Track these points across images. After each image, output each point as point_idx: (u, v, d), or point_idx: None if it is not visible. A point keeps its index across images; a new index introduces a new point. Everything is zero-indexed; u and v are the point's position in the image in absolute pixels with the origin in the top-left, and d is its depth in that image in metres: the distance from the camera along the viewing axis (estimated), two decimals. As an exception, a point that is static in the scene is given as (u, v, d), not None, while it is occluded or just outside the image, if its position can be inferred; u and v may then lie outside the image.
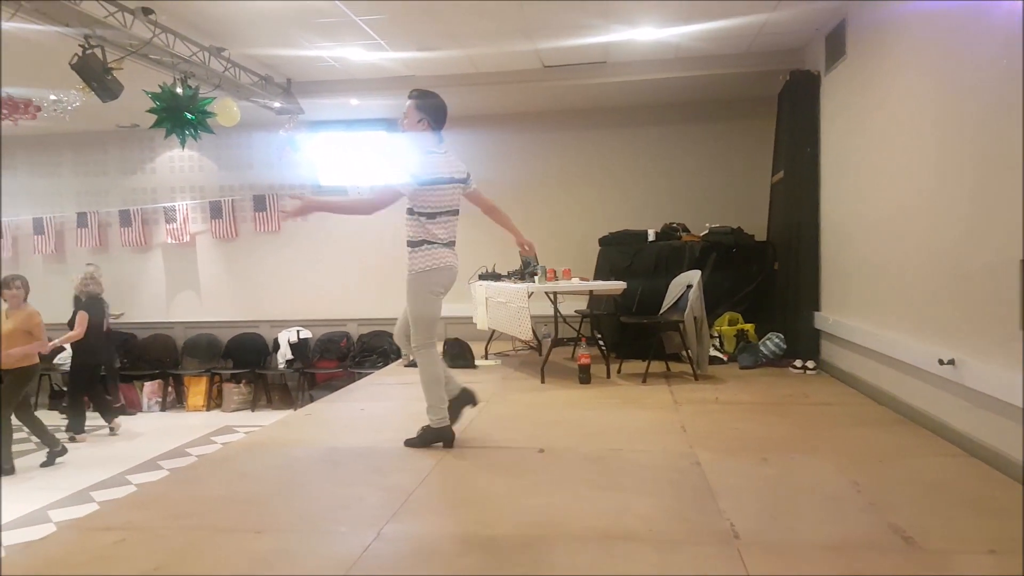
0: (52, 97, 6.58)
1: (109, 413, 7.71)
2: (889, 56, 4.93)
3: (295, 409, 8.35)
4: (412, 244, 4.05)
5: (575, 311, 7.44)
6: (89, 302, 7.38)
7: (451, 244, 4.12)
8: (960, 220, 3.90)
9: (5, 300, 6.46)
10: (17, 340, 6.23)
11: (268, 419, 7.59)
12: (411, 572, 2.63)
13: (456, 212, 4.15)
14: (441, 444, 4.15)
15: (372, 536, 2.92)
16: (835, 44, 6.04)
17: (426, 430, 4.17)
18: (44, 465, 6.47)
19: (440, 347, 7.56)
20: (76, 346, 7.40)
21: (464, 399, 4.31)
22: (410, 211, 4.04)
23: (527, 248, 4.68)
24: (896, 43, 4.82)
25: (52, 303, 9.03)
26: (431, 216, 4.01)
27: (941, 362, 3.99)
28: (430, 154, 4.04)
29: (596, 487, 3.45)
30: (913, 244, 4.55)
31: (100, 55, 5.05)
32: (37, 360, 6.48)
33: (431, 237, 4.02)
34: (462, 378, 6.32)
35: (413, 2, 5.51)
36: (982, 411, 3.70)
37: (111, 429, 7.61)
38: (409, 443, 4.20)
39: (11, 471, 6.26)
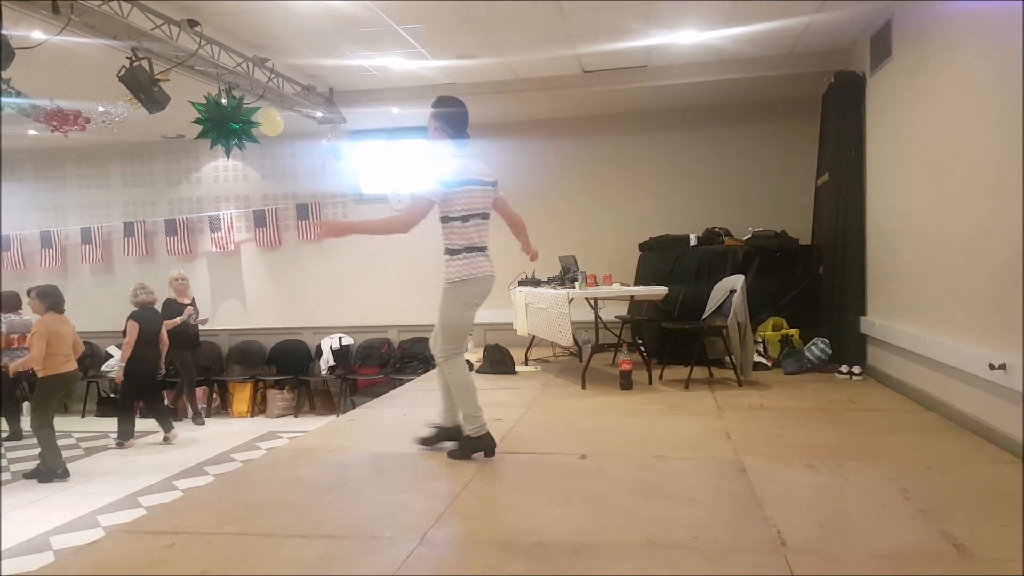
0: (100, 109, 6.75)
1: (164, 420, 7.72)
2: (936, 56, 4.83)
3: (337, 415, 8.44)
4: (451, 252, 4.00)
5: (615, 317, 7.40)
6: (140, 312, 7.49)
7: (485, 249, 4.08)
8: (1009, 223, 3.79)
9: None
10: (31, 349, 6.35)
11: (311, 425, 7.68)
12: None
13: (487, 216, 4.10)
14: (482, 453, 4.08)
15: (416, 541, 2.93)
16: (881, 45, 5.93)
17: (465, 440, 4.11)
18: (28, 477, 6.35)
19: (480, 353, 7.65)
20: (129, 355, 7.51)
21: (451, 435, 4.24)
22: (444, 218, 3.99)
23: (532, 257, 4.71)
24: (943, 43, 4.71)
25: (100, 312, 9.36)
26: (465, 219, 3.96)
27: (992, 367, 3.89)
28: (452, 157, 4.04)
29: (640, 494, 3.43)
30: (961, 247, 4.45)
31: (147, 67, 5.18)
32: (66, 369, 6.44)
33: (470, 242, 3.97)
34: (502, 383, 6.42)
35: (453, 9, 5.54)
36: (1037, 417, 3.60)
37: (166, 438, 7.61)
38: (451, 455, 4.13)
39: (64, 475, 6.36)
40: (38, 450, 6.40)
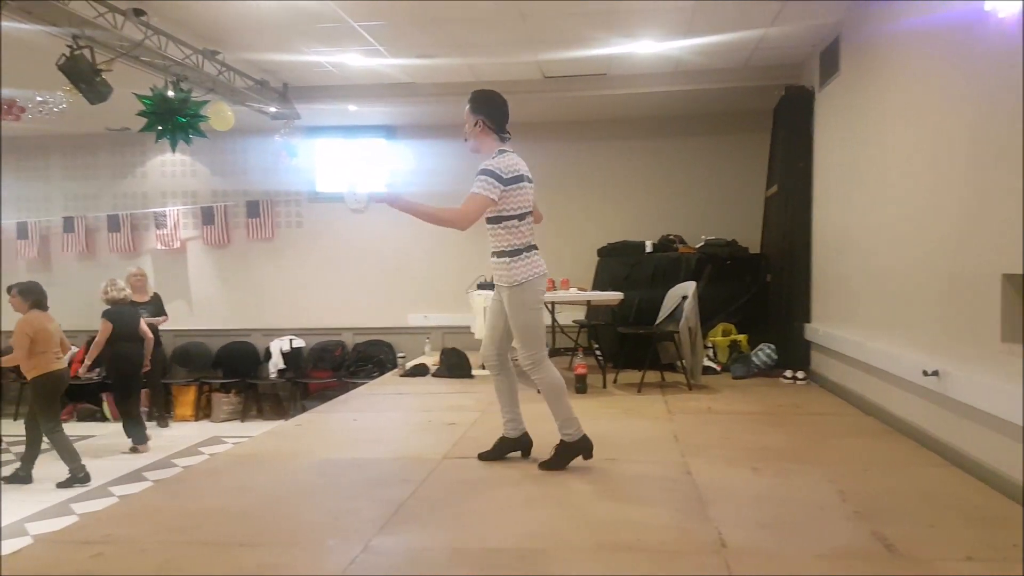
0: (38, 98, 6.50)
1: (139, 429, 7.30)
2: (881, 73, 4.96)
3: (287, 420, 8.29)
4: (510, 253, 3.77)
5: (572, 321, 7.43)
6: (114, 310, 7.12)
7: (537, 248, 3.90)
8: (946, 234, 3.92)
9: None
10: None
11: (258, 430, 7.49)
12: (399, 583, 2.60)
13: (532, 214, 3.90)
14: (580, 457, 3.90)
15: (360, 549, 2.87)
16: (829, 60, 6.07)
17: (562, 447, 3.90)
18: (9, 481, 6.14)
19: (437, 357, 7.58)
20: (103, 357, 7.20)
21: (516, 446, 4.08)
22: (497, 219, 3.75)
23: None
24: (888, 60, 4.84)
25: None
26: (522, 218, 3.77)
27: (925, 373, 4.00)
28: (503, 153, 3.76)
29: (591, 498, 3.44)
30: (900, 257, 4.57)
31: (89, 56, 4.99)
32: (56, 367, 6.16)
33: (527, 241, 3.79)
34: (458, 386, 6.38)
35: (413, 8, 5.49)
36: (965, 421, 3.71)
37: (134, 448, 7.18)
38: (545, 466, 3.89)
39: (85, 479, 6.10)
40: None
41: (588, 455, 3.90)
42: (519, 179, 3.74)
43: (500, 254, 3.80)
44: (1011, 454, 3.29)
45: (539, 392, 3.94)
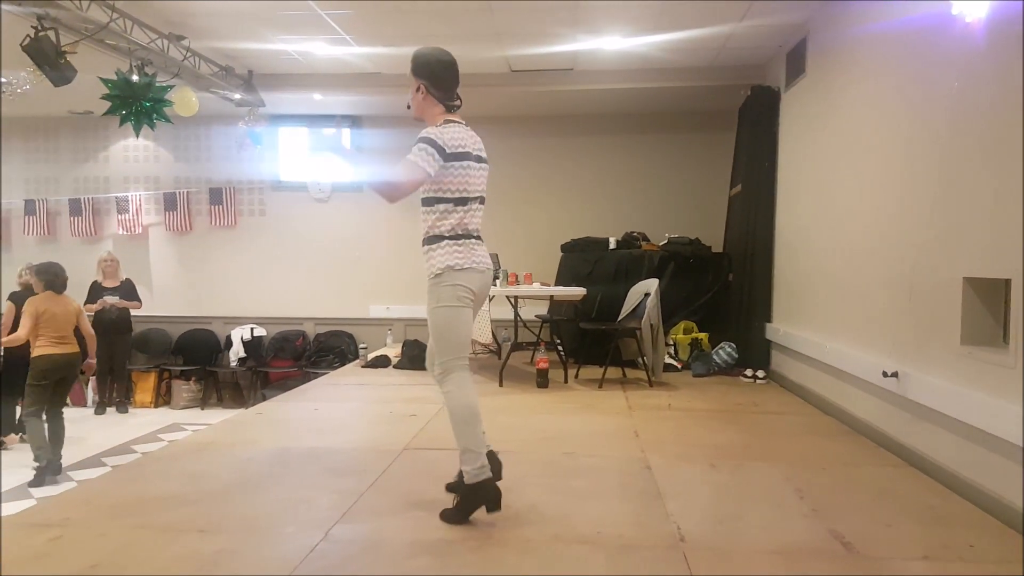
0: (3, 79, 6.38)
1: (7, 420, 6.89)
2: (846, 75, 5.05)
3: (247, 408, 8.22)
4: (432, 239, 3.11)
5: (535, 316, 7.46)
6: (21, 293, 6.80)
7: (479, 237, 3.21)
8: (907, 237, 4.01)
9: None
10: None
11: (218, 418, 7.44)
12: (357, 573, 2.60)
13: (484, 201, 3.25)
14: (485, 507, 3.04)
15: (319, 537, 2.88)
16: (795, 62, 6.16)
17: (464, 492, 3.07)
18: (32, 486, 5.69)
19: (399, 349, 7.55)
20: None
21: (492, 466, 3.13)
22: (429, 200, 3.11)
23: None
24: (853, 63, 4.93)
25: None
26: (461, 202, 3.10)
27: (885, 374, 4.10)
28: (449, 124, 3.13)
29: (548, 490, 3.46)
30: (861, 259, 4.67)
31: (53, 38, 4.91)
32: (58, 351, 5.81)
33: (460, 229, 3.10)
34: (419, 379, 6.36)
35: (381, 1, 5.47)
36: (922, 423, 3.81)
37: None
38: (445, 516, 3.09)
39: (54, 470, 5.77)
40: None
41: (493, 506, 3.02)
42: (463, 156, 3.09)
43: (425, 240, 3.15)
44: (968, 455, 3.39)
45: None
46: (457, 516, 3.06)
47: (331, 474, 3.74)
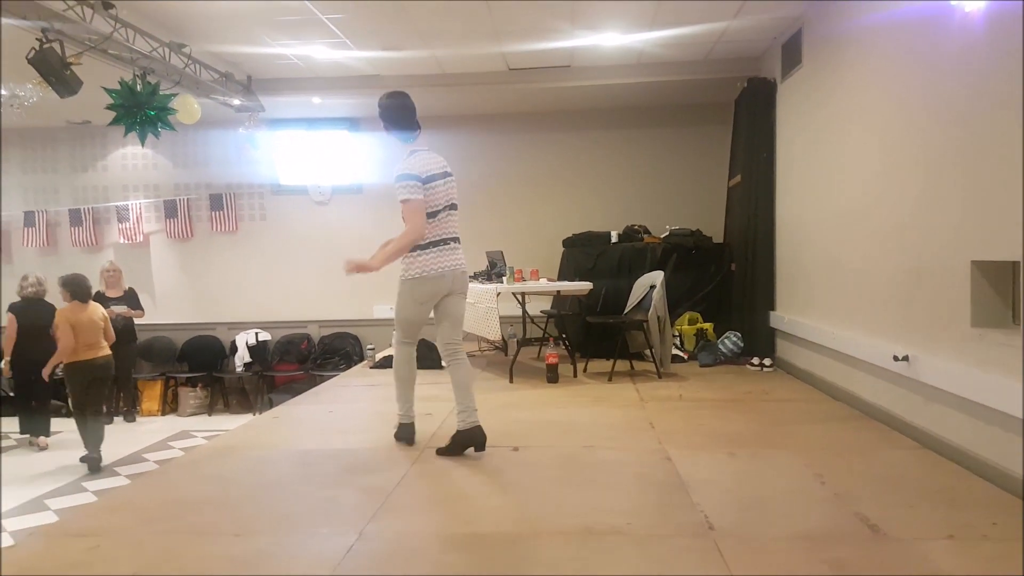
0: (4, 93, 6.37)
1: (34, 423, 7.20)
2: (843, 65, 5.11)
3: (254, 413, 8.26)
4: (417, 247, 3.97)
5: (540, 311, 7.51)
6: (20, 304, 7.01)
7: (456, 240, 4.05)
8: (912, 221, 4.08)
9: None
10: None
11: (226, 424, 7.48)
12: (397, 571, 2.64)
13: (456, 207, 4.07)
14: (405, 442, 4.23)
15: (354, 537, 2.92)
16: (791, 53, 6.22)
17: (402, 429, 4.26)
18: (82, 460, 6.34)
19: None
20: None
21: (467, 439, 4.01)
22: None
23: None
24: (850, 53, 5.00)
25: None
26: (432, 215, 3.92)
27: (896, 358, 4.16)
28: (414, 154, 3.97)
29: (573, 484, 3.51)
30: (866, 244, 4.73)
31: (58, 49, 4.93)
32: (89, 356, 6.26)
33: (437, 236, 3.94)
34: (429, 378, 6.39)
35: (379, 1, 5.50)
36: (935, 404, 3.88)
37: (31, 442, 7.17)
38: (440, 451, 4.05)
39: (95, 464, 6.30)
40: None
41: (410, 442, 4.22)
42: (432, 178, 3.91)
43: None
44: (982, 435, 3.46)
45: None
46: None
47: (355, 474, 3.78)
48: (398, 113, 4.04)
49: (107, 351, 6.44)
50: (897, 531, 2.85)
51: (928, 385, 3.92)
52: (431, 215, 3.91)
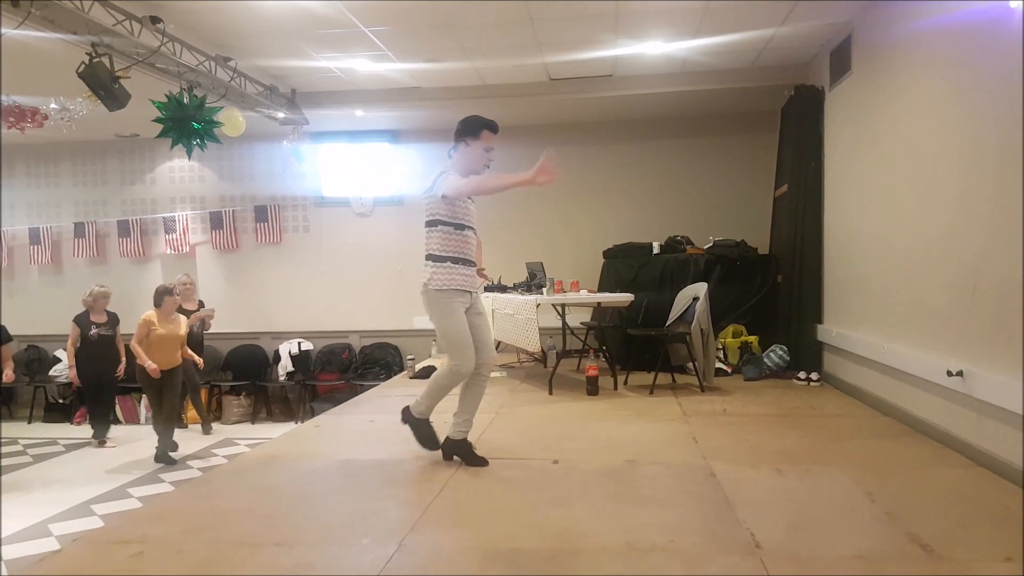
0: (53, 106, 6.54)
1: (98, 425, 7.65)
2: (895, 73, 4.98)
3: (296, 422, 8.33)
4: (436, 259, 3.96)
5: (580, 323, 7.45)
6: (84, 316, 7.36)
7: (474, 264, 4.09)
8: (968, 231, 3.94)
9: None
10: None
11: (269, 432, 7.55)
12: (437, 584, 2.62)
13: (475, 231, 4.14)
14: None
15: (394, 548, 2.91)
16: (840, 60, 6.10)
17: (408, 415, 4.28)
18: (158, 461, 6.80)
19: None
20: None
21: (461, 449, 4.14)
22: (434, 222, 3.97)
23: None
24: (902, 60, 4.87)
25: (48, 315, 9.05)
26: (458, 228, 3.97)
27: (949, 373, 4.03)
28: (444, 174, 4.06)
29: (615, 499, 3.45)
30: (919, 255, 4.59)
31: (108, 63, 5.04)
32: (164, 365, 6.73)
33: (459, 252, 3.97)
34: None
35: (421, 12, 5.52)
36: (991, 421, 3.74)
37: (102, 442, 7.62)
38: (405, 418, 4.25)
39: (169, 461, 6.79)
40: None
41: (424, 443, 4.19)
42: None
43: (428, 257, 3.98)
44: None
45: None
46: (405, 415, 4.29)
47: (396, 485, 3.78)
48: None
49: (176, 360, 6.89)
50: (952, 552, 2.74)
51: (982, 401, 3.78)
52: (456, 227, 3.96)
